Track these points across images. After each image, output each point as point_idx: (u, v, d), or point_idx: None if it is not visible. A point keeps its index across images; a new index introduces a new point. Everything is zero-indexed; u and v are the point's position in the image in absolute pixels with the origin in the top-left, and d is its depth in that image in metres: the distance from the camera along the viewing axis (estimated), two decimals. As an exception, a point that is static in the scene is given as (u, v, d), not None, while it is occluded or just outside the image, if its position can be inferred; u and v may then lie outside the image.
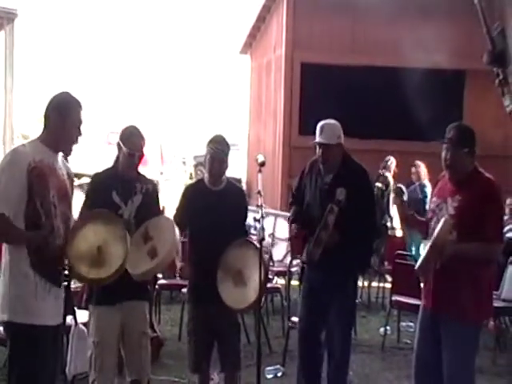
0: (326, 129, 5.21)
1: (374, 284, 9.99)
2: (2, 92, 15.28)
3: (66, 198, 4.19)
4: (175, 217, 5.35)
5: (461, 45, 13.87)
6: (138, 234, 4.73)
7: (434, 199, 4.73)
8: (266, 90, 17.08)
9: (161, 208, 5.21)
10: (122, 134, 4.90)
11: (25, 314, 4.00)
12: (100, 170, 5.15)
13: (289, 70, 14.81)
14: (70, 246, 4.11)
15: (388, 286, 8.90)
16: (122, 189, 4.85)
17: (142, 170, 5.08)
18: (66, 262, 4.13)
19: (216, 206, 5.14)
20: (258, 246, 4.68)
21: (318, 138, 5.20)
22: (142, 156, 4.92)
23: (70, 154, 4.24)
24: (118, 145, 4.89)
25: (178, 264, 5.30)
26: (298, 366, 5.50)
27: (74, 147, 4.21)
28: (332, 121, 5.28)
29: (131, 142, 4.84)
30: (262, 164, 4.91)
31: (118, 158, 4.94)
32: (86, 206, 4.81)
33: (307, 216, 5.30)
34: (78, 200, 4.67)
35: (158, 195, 5.11)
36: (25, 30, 19.78)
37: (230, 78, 28.79)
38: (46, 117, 4.15)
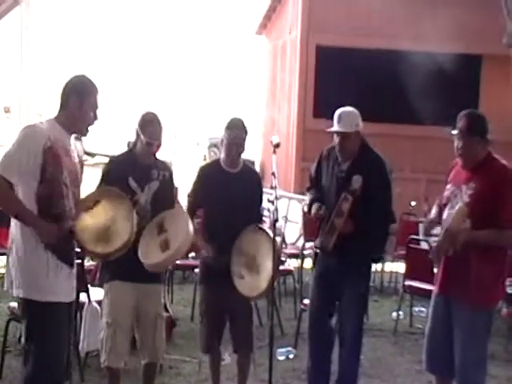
0: (344, 117, 5.15)
1: (387, 268, 9.97)
2: (17, 69, 15.30)
3: (77, 180, 4.22)
4: (189, 197, 5.36)
5: (477, 29, 13.77)
6: (153, 223, 4.75)
7: (449, 186, 4.69)
8: (281, 72, 17.00)
9: (176, 192, 5.21)
10: (140, 121, 4.87)
11: (39, 291, 4.03)
12: (117, 153, 5.16)
13: (304, 52, 14.71)
14: (78, 221, 4.13)
15: (401, 270, 8.88)
16: (139, 175, 4.85)
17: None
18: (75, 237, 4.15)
19: (231, 188, 5.13)
20: (272, 227, 4.67)
21: (335, 127, 5.14)
22: (160, 144, 4.91)
23: (85, 134, 4.27)
24: (136, 131, 4.88)
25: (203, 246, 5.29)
26: (308, 347, 5.49)
27: (90, 129, 4.25)
28: (350, 108, 5.22)
29: (150, 131, 4.82)
30: (277, 145, 4.89)
31: (135, 143, 4.93)
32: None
33: (323, 203, 5.26)
34: (90, 179, 4.69)
35: (173, 182, 5.11)
36: (41, 7, 19.77)
37: (245, 59, 28.66)
38: (64, 98, 4.17)
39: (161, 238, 4.68)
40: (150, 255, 4.63)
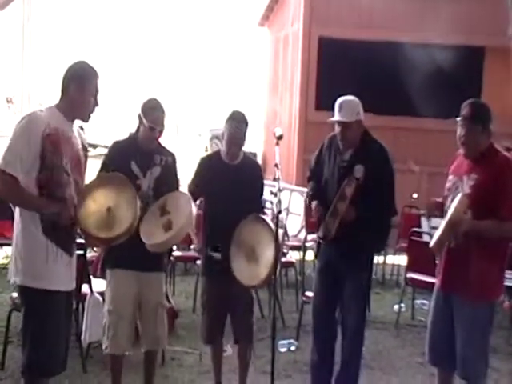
0: (345, 106, 5.11)
1: (389, 261, 9.96)
2: (19, 59, 15.29)
3: (79, 168, 4.20)
4: (189, 186, 5.36)
5: (479, 22, 13.72)
6: (156, 206, 4.78)
7: (450, 177, 4.69)
8: (283, 64, 16.97)
9: (179, 181, 5.21)
10: (143, 107, 4.89)
11: (37, 278, 4.01)
12: (120, 138, 5.15)
13: (306, 44, 14.66)
14: (81, 207, 4.12)
15: (403, 263, 8.88)
16: (141, 160, 4.87)
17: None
18: (77, 225, 4.13)
19: (232, 180, 5.13)
20: (275, 218, 4.66)
21: (336, 116, 5.11)
22: (162, 130, 4.91)
23: (87, 121, 4.24)
24: (139, 116, 4.88)
25: (194, 240, 5.32)
26: (312, 341, 5.49)
27: (92, 116, 4.23)
28: (351, 97, 5.19)
29: (153, 117, 4.84)
30: (280, 137, 4.87)
31: (138, 128, 4.94)
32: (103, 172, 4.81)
33: (325, 192, 5.25)
34: (92, 170, 4.67)
35: (176, 168, 5.11)
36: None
37: (247, 51, 28.60)
38: (64, 85, 4.15)
39: (163, 220, 4.72)
40: (153, 236, 4.66)
